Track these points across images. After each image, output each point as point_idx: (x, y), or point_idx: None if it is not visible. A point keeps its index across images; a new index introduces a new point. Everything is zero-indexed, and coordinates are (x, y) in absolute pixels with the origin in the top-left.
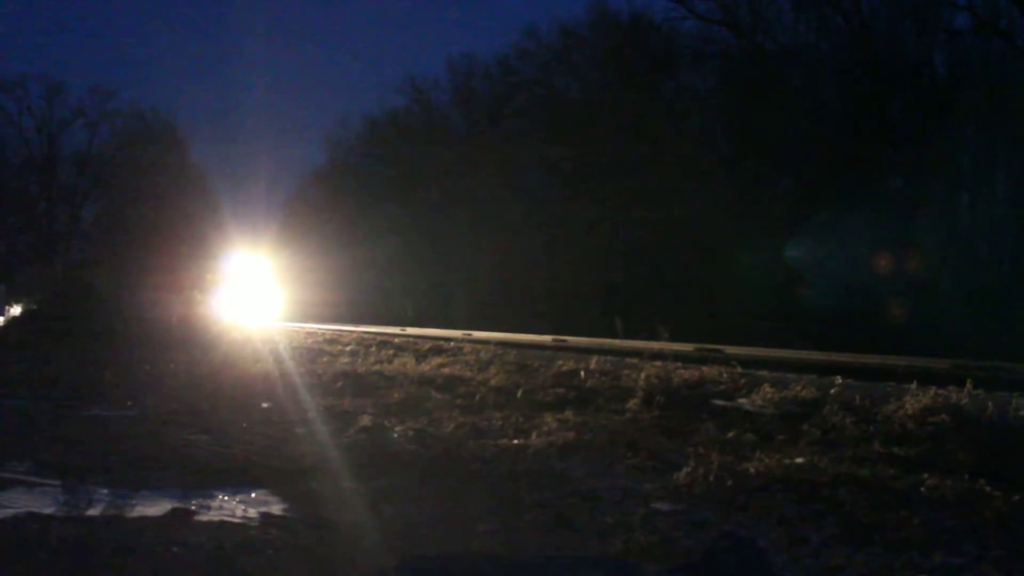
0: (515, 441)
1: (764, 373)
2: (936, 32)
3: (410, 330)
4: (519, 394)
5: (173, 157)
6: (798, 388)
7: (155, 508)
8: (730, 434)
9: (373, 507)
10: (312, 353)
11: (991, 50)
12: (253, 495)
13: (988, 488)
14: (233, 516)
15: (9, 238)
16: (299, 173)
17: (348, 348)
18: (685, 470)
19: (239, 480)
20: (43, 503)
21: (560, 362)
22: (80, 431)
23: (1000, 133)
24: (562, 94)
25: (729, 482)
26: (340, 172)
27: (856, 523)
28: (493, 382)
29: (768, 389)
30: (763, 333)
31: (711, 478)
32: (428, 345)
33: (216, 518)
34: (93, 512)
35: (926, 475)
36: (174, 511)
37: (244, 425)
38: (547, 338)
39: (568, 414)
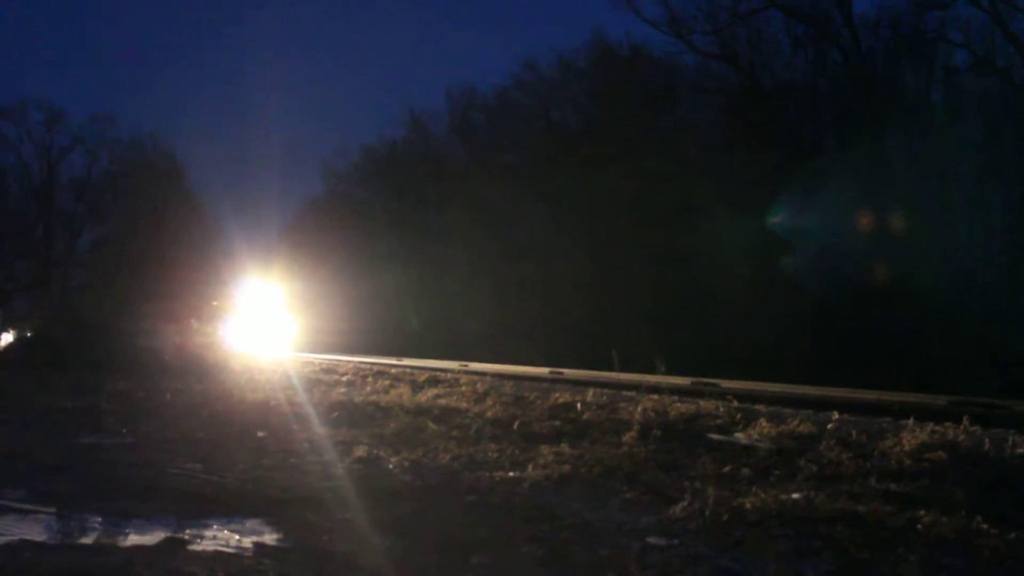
0: (511, 473)
1: (760, 407)
2: (933, 68)
3: (406, 361)
4: (515, 426)
5: (172, 185)
6: (795, 423)
7: (149, 537)
8: (726, 469)
9: (368, 538)
10: (309, 383)
11: (988, 87)
12: (247, 525)
13: (985, 526)
14: (227, 546)
15: (6, 264)
16: (299, 202)
17: (344, 378)
18: (681, 504)
19: (233, 510)
20: (37, 531)
21: (557, 394)
22: (75, 459)
23: (997, 168)
24: (560, 126)
25: (725, 517)
26: (338, 202)
27: (852, 560)
28: (489, 414)
29: (764, 424)
30: (761, 364)
31: (707, 513)
32: (425, 376)
33: (210, 548)
34: (87, 540)
35: (923, 512)
36: (168, 540)
37: (239, 454)
38: (544, 370)
39: (564, 447)
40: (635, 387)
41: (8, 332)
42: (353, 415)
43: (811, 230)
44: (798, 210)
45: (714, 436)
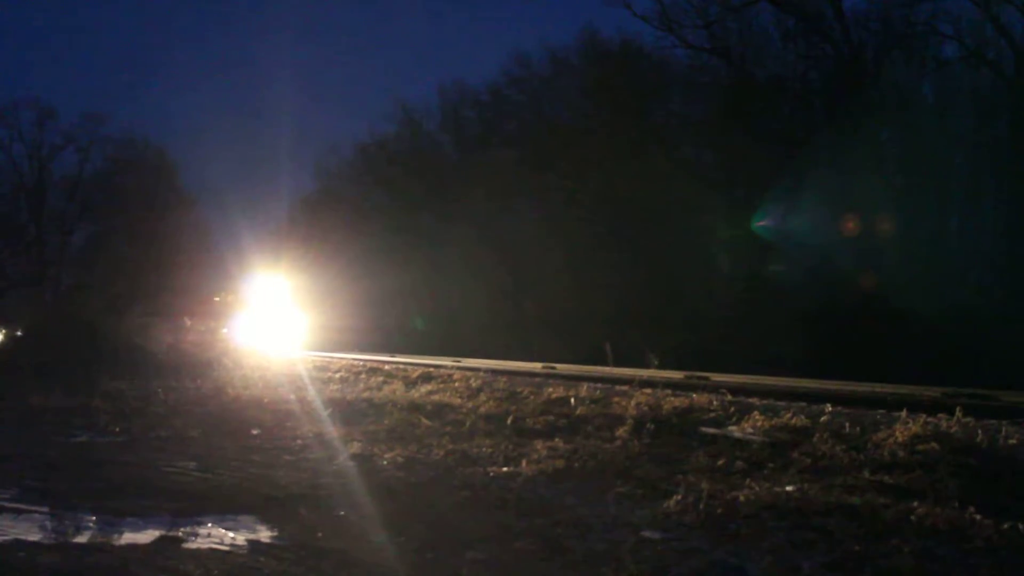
0: (505, 469)
1: (754, 401)
2: (925, 61)
3: (400, 357)
4: (509, 421)
5: (164, 182)
6: (788, 416)
7: (143, 535)
8: (720, 462)
9: (363, 534)
10: (303, 380)
11: (979, 79)
12: (242, 522)
13: (978, 516)
14: (222, 544)
15: None
16: (294, 199)
17: (338, 375)
18: (675, 498)
19: (227, 507)
20: (30, 530)
21: (550, 389)
22: (68, 458)
23: (989, 161)
24: (552, 121)
25: (719, 510)
26: (332, 199)
27: (847, 552)
28: (483, 409)
29: (758, 417)
30: (754, 360)
31: (701, 506)
32: (418, 372)
33: (205, 545)
34: (80, 539)
35: (916, 503)
36: (162, 538)
37: (233, 452)
38: (537, 365)
39: (558, 442)
40: (628, 381)
41: (1, 331)
42: (347, 412)
43: (802, 225)
44: (789, 204)
45: (708, 430)
